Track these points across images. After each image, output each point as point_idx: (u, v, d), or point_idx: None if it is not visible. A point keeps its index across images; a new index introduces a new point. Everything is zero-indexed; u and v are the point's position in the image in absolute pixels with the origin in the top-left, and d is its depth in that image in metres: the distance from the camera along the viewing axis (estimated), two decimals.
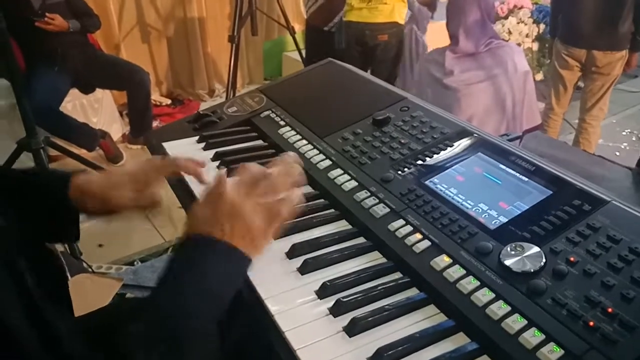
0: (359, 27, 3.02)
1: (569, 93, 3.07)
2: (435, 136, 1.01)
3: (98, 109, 3.45)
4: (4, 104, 3.05)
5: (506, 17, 4.37)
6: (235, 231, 0.67)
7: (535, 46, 4.35)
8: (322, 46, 3.43)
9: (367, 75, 1.30)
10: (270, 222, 0.71)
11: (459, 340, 0.69)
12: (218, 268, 0.66)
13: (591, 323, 0.64)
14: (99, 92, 3.39)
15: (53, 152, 2.84)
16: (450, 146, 0.98)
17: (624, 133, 3.84)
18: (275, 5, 3.46)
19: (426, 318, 0.72)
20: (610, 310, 0.65)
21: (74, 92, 3.22)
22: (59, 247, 2.31)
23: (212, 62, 4.26)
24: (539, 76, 4.32)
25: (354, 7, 3.01)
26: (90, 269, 2.24)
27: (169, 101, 4.10)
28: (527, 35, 4.31)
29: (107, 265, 2.38)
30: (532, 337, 0.65)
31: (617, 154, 3.51)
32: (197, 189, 0.94)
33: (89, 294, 1.51)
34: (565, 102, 3.12)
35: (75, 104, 3.32)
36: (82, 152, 3.09)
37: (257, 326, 0.74)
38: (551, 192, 0.84)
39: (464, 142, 0.99)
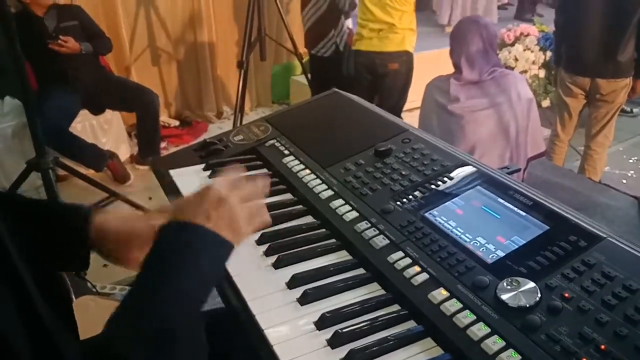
0: (369, 56, 3.03)
1: (574, 120, 3.10)
2: (435, 168, 1.03)
3: (107, 130, 3.51)
4: (16, 124, 3.10)
5: (513, 44, 4.42)
6: (220, 218, 0.70)
7: (541, 73, 4.38)
8: (319, 72, 3.47)
9: (371, 106, 1.32)
10: (252, 218, 0.76)
11: None
12: (202, 254, 0.68)
13: None
14: (108, 113, 3.45)
15: (61, 172, 2.88)
16: (450, 179, 1.00)
17: (630, 161, 3.84)
18: (284, 31, 3.53)
19: (423, 351, 0.73)
20: (603, 347, 0.66)
21: (84, 113, 3.27)
22: None
23: (220, 85, 4.33)
24: (546, 103, 4.35)
25: (364, 37, 3.02)
26: (94, 289, 2.25)
27: (177, 122, 4.15)
28: (533, 62, 4.35)
29: (112, 285, 2.39)
30: None
31: (624, 182, 3.51)
32: None
33: (93, 316, 1.52)
34: (570, 129, 3.14)
35: (85, 125, 3.37)
36: (90, 172, 3.14)
37: (255, 356, 0.75)
38: (548, 228, 0.85)
39: (464, 175, 1.01)
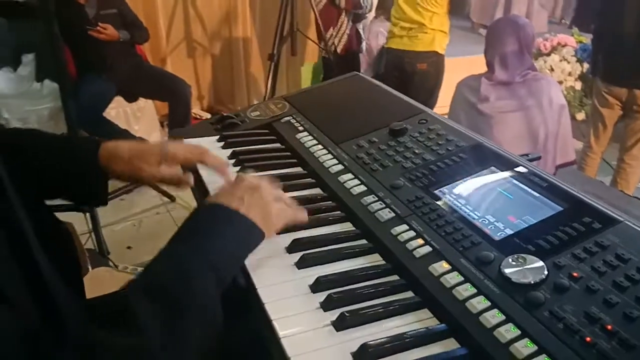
0: (398, 55, 3.04)
1: (609, 132, 2.99)
2: (450, 148, 1.01)
3: (140, 118, 3.58)
4: (53, 106, 3.20)
5: (549, 54, 4.31)
6: (252, 205, 0.74)
7: (578, 85, 4.26)
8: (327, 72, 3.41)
9: (390, 89, 1.30)
10: (282, 213, 0.80)
11: (449, 345, 0.67)
12: (228, 233, 0.71)
13: (588, 339, 0.62)
14: (142, 101, 3.52)
15: None
16: (464, 158, 0.97)
17: None
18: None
19: (418, 321, 0.70)
20: (609, 327, 0.62)
21: (118, 100, 3.35)
22: (89, 245, 2.38)
23: (253, 80, 4.37)
24: (581, 116, 4.22)
25: (395, 35, 3.04)
26: (116, 269, 2.29)
27: (208, 115, 4.21)
28: (569, 74, 4.24)
29: (133, 267, 2.42)
30: (524, 347, 0.62)
31: None
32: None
33: (106, 287, 1.54)
34: (604, 141, 3.04)
35: (119, 111, 3.45)
36: None
37: (247, 315, 0.74)
38: (562, 209, 0.82)
39: (478, 156, 0.98)
